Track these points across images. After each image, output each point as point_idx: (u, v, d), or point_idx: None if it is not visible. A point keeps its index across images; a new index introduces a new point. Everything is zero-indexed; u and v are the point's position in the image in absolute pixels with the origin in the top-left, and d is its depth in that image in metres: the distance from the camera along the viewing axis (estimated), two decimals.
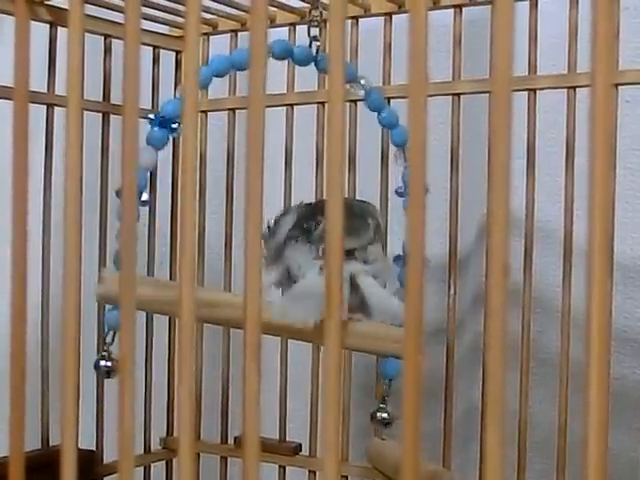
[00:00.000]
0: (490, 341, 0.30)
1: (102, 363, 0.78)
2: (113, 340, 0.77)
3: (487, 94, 0.76)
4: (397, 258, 0.77)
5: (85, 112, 0.83)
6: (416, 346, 0.30)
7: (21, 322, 0.41)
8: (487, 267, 0.31)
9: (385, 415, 0.78)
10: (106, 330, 0.77)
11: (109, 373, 0.78)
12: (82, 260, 0.80)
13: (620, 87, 0.72)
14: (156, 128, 0.76)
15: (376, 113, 0.79)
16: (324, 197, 0.71)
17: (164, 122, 0.76)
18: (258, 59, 0.36)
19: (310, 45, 0.76)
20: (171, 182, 0.95)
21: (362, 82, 0.76)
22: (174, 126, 0.75)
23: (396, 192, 0.79)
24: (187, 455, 0.35)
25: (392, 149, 0.82)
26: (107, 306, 0.77)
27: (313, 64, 0.78)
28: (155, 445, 0.95)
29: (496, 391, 0.29)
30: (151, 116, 0.76)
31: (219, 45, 0.94)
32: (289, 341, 0.88)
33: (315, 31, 0.76)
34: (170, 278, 0.93)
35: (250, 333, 0.33)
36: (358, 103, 0.84)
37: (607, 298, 0.31)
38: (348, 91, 0.84)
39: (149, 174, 0.77)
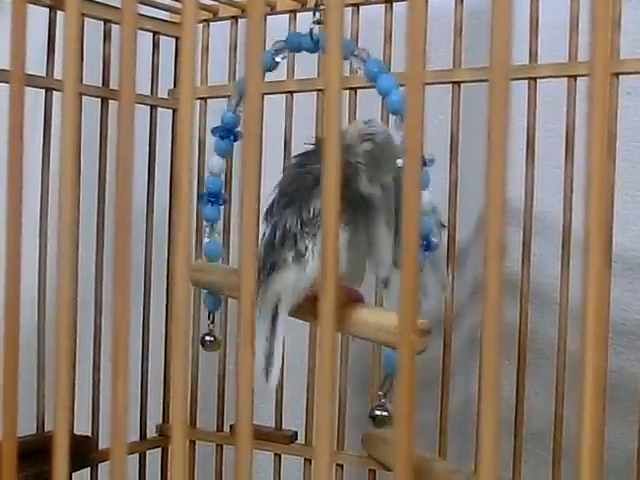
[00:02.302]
0: (486, 325, 0.29)
1: (207, 338, 0.88)
2: (212, 320, 0.87)
3: (487, 82, 0.75)
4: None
5: (84, 97, 0.83)
6: (410, 326, 0.30)
7: (14, 307, 0.41)
8: (484, 249, 0.30)
9: (385, 413, 0.73)
10: (207, 312, 0.88)
11: (213, 346, 0.89)
12: (79, 244, 0.81)
13: (621, 77, 0.72)
14: (219, 138, 0.83)
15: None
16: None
17: (225, 131, 0.83)
18: (255, 46, 0.36)
19: (311, 31, 0.75)
20: (170, 172, 0.94)
21: (356, 53, 0.74)
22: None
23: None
24: (179, 431, 0.35)
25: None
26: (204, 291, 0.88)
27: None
28: (151, 432, 0.95)
29: (491, 370, 0.29)
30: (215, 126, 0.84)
31: (219, 32, 0.93)
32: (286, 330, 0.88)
33: (318, 15, 0.75)
34: (167, 270, 0.93)
35: (245, 308, 0.33)
36: (358, 91, 0.84)
37: (604, 289, 0.30)
38: (347, 78, 0.84)
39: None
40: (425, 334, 0.63)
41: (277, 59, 0.79)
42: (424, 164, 0.67)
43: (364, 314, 0.66)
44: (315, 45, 0.75)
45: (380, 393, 0.74)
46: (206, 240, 0.87)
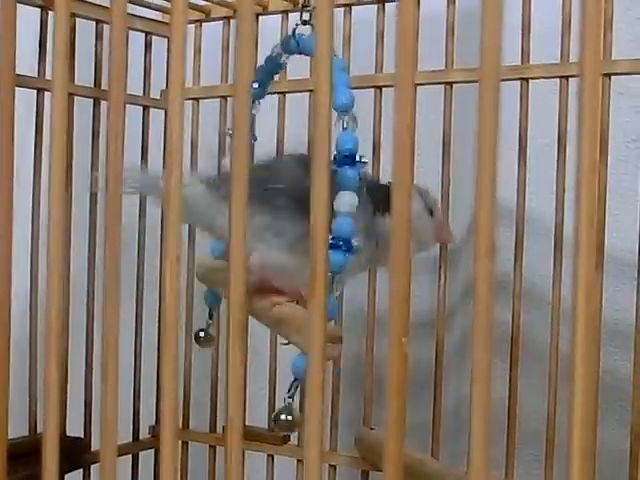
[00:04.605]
0: (476, 324, 0.29)
1: (200, 334, 0.85)
2: (211, 317, 0.84)
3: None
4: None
5: (76, 97, 0.83)
6: (401, 329, 0.30)
7: (5, 307, 0.40)
8: (474, 250, 0.30)
9: (289, 417, 0.67)
10: (208, 308, 0.85)
11: (206, 342, 0.85)
12: (71, 244, 0.80)
13: (613, 78, 0.72)
14: None
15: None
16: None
17: None
18: (245, 46, 0.36)
19: (294, 31, 0.73)
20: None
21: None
22: None
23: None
24: (170, 431, 0.35)
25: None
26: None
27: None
28: (144, 434, 0.95)
29: (482, 371, 0.29)
30: None
31: (211, 32, 0.93)
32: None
33: (306, 16, 0.75)
34: (160, 273, 0.93)
35: (234, 310, 0.33)
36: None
37: (594, 288, 0.30)
38: None
39: None
40: (336, 341, 0.60)
41: (281, 61, 0.77)
42: (353, 163, 0.64)
43: (284, 311, 0.64)
44: (297, 46, 0.74)
45: (287, 396, 0.69)
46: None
